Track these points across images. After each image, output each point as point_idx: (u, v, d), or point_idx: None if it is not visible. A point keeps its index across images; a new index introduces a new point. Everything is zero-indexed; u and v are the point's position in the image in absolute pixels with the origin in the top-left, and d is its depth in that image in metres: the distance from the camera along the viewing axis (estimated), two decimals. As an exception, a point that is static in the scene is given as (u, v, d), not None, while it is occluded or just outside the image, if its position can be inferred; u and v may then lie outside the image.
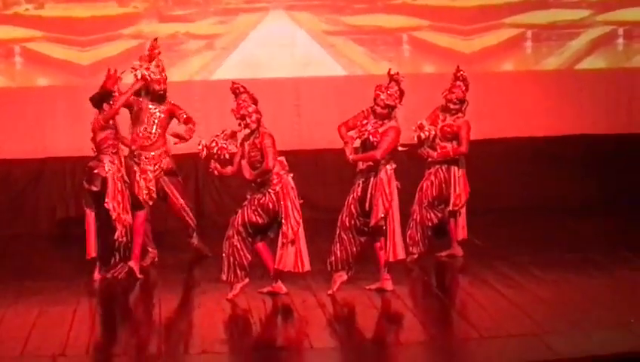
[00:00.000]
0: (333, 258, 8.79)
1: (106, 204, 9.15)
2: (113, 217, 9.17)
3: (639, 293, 8.76)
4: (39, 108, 11.70)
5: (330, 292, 8.74)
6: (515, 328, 7.87)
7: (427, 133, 9.25)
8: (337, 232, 8.79)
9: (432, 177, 9.83)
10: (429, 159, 9.79)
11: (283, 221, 8.47)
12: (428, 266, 9.84)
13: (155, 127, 9.65)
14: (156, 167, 9.68)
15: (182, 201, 9.93)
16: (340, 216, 8.80)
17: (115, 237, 9.20)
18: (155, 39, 9.75)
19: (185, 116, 9.70)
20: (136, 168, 9.63)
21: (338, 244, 8.78)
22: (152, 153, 9.65)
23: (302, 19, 12.20)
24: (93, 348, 7.59)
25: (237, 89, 8.58)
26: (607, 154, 12.44)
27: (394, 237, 8.64)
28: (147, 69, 9.40)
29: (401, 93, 8.64)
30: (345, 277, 8.83)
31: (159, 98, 9.68)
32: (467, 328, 7.98)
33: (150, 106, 9.65)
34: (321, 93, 12.05)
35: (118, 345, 7.82)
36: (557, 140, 12.42)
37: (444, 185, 9.81)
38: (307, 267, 8.60)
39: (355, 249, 8.78)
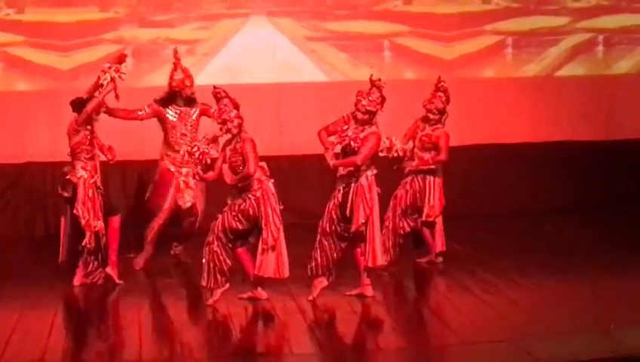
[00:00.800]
0: (313, 263, 8.79)
1: (74, 210, 9.13)
2: (82, 223, 9.12)
3: (619, 299, 8.79)
4: (19, 112, 11.66)
5: (310, 297, 8.74)
6: (495, 333, 7.89)
7: (396, 154, 9.14)
8: (318, 238, 8.78)
9: (408, 186, 9.85)
10: (408, 169, 9.81)
11: (263, 227, 8.47)
12: (408, 272, 9.86)
13: (192, 130, 9.82)
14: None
15: (202, 206, 10.00)
16: (320, 222, 8.79)
17: (83, 243, 9.16)
18: (176, 48, 10.05)
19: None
20: (176, 172, 9.74)
21: (318, 250, 8.77)
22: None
23: (283, 25, 12.21)
24: (72, 353, 7.56)
25: (218, 94, 8.57)
26: (587, 160, 12.49)
27: (374, 242, 8.64)
28: (117, 70, 9.31)
29: (383, 99, 8.65)
30: (325, 282, 8.83)
31: (191, 102, 9.87)
32: (447, 333, 7.99)
33: (183, 112, 9.78)
34: (302, 99, 12.06)
35: (97, 351, 7.79)
36: (536, 147, 12.47)
37: (418, 195, 9.82)
38: (287, 273, 8.59)
39: (335, 255, 8.77)
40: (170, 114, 9.91)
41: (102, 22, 11.83)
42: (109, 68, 9.30)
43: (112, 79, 9.27)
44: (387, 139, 8.82)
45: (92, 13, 11.83)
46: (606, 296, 8.90)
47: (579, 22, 12.78)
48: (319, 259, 8.77)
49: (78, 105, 9.22)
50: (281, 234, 8.53)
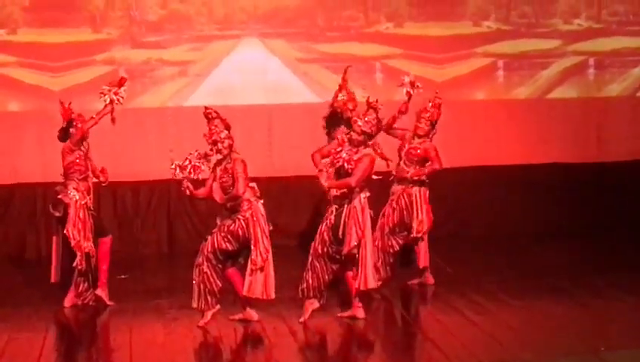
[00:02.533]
0: (305, 285, 8.77)
1: (65, 231, 9.10)
2: (72, 244, 9.09)
3: (608, 320, 8.80)
4: (10, 133, 11.63)
5: (301, 319, 8.72)
6: (484, 355, 7.88)
7: (416, 90, 9.44)
8: (309, 259, 8.76)
9: (394, 204, 9.81)
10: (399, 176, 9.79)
11: (252, 248, 8.45)
12: (399, 294, 9.84)
13: None
14: None
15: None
16: (312, 243, 8.78)
17: (74, 264, 9.13)
18: (347, 68, 9.95)
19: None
20: None
21: (310, 272, 8.75)
22: None
23: (275, 46, 12.23)
24: (62, 374, 7.55)
25: (209, 114, 8.58)
26: (577, 182, 12.51)
27: (366, 265, 8.62)
28: (116, 93, 9.28)
29: (378, 121, 8.65)
30: (317, 304, 8.81)
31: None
32: (438, 355, 7.97)
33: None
34: (294, 120, 12.05)
35: (88, 372, 7.79)
36: (527, 169, 12.48)
37: (405, 212, 9.79)
38: (273, 295, 8.56)
39: (327, 276, 8.75)
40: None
41: (94, 43, 11.83)
42: (109, 90, 9.25)
43: (111, 101, 9.23)
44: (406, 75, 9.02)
45: (84, 34, 11.82)
46: (596, 319, 8.91)
47: (570, 45, 12.84)
48: (311, 281, 8.75)
49: (63, 135, 9.22)
50: (270, 255, 8.52)
